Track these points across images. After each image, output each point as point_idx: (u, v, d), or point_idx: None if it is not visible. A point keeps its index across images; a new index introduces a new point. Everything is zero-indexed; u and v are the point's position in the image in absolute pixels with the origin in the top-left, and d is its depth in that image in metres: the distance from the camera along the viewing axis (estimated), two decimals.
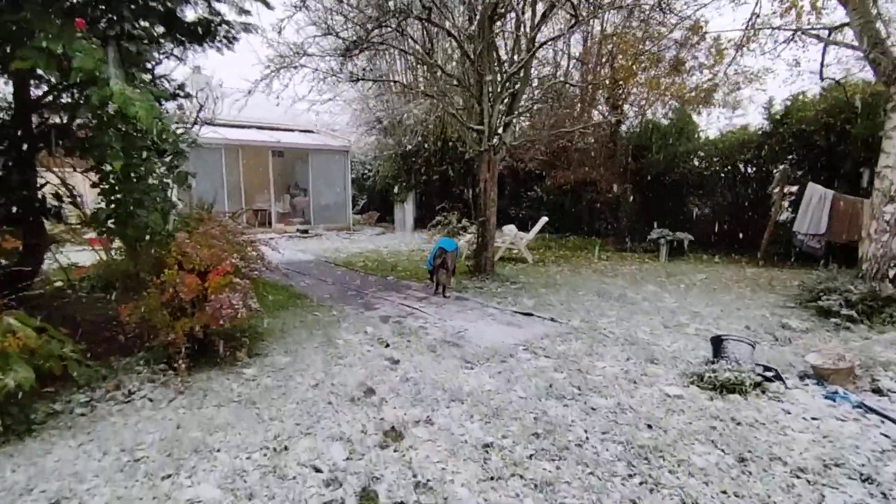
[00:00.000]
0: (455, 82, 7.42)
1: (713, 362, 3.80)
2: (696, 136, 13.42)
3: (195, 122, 7.55)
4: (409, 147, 15.66)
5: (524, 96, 7.98)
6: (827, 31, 8.22)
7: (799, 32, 8.31)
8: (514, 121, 7.25)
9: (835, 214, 9.15)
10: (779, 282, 7.83)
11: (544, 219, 10.52)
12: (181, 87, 6.38)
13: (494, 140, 7.23)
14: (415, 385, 3.62)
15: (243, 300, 3.75)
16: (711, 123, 18.32)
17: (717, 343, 3.93)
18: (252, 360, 4.07)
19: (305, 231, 14.08)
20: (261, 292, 6.12)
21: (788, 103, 10.99)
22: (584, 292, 6.98)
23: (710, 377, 3.54)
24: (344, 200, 15.66)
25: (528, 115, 15.21)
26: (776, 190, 9.84)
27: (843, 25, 7.77)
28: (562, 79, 9.45)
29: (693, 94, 11.04)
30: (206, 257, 3.73)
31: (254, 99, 16.62)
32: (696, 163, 12.40)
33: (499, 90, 7.24)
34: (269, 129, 15.27)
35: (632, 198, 11.90)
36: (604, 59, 12.11)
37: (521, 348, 4.48)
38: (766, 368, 3.63)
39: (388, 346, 4.56)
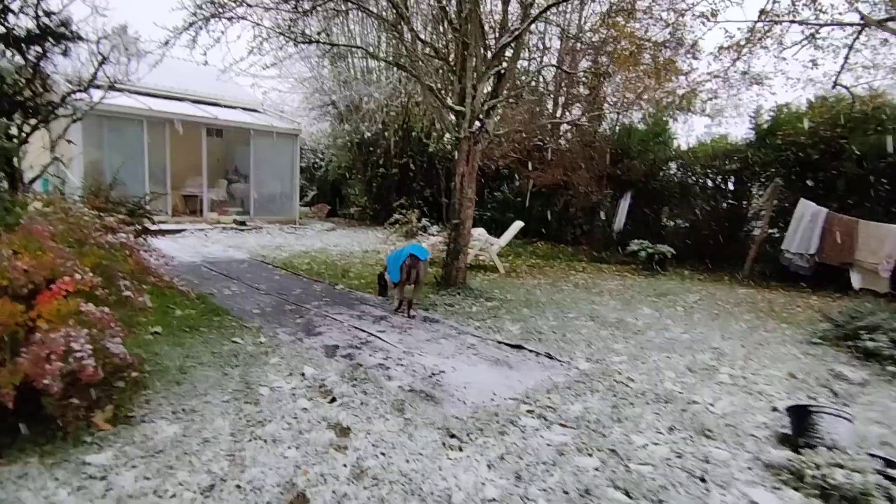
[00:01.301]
0: (431, 52, 6.08)
1: (800, 447, 2.69)
2: (671, 144, 12.72)
3: (91, 82, 5.82)
4: (368, 135, 14.15)
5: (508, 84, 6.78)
6: None
7: (866, 27, 7.29)
8: (497, 108, 5.98)
9: (828, 235, 8.51)
10: (781, 307, 7.00)
11: (518, 223, 9.37)
12: (64, 24, 4.71)
13: (475, 126, 5.96)
14: (375, 487, 2.28)
15: (95, 342, 2.27)
16: (689, 132, 17.77)
17: (802, 416, 2.82)
18: (116, 432, 2.59)
19: (243, 223, 12.31)
20: (164, 306, 4.58)
21: (773, 114, 10.41)
22: (574, 315, 5.84)
23: (813, 476, 2.40)
24: (290, 190, 13.96)
25: (500, 108, 14.09)
26: (766, 203, 9.14)
27: None
28: (547, 67, 8.29)
29: (686, 90, 10.16)
30: (31, 269, 2.23)
31: (190, 68, 14.60)
32: (675, 171, 11.67)
33: (484, 68, 5.97)
34: (206, 103, 13.34)
35: (609, 205, 10.96)
36: (588, 52, 11.11)
37: (523, 407, 3.22)
38: (889, 463, 2.54)
39: (333, 400, 3.18)
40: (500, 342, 4.62)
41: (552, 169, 11.82)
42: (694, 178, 11.37)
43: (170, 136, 11.56)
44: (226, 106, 13.86)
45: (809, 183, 9.14)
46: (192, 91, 13.45)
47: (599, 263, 10.52)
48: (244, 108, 14.20)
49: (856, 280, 8.19)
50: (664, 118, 12.50)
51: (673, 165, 11.83)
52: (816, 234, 8.58)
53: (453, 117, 6.19)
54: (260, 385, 3.31)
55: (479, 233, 9.31)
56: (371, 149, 14.47)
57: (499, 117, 14.46)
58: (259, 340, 4.21)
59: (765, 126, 10.09)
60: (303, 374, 3.53)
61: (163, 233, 10.63)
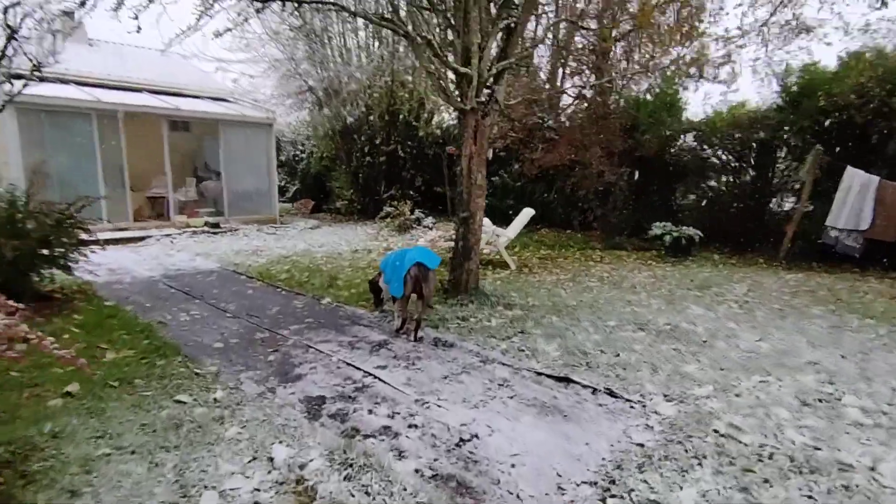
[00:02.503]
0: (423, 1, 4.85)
1: None
2: (680, 115, 11.59)
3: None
4: (350, 120, 12.86)
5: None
6: None
7: None
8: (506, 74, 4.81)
9: (881, 207, 7.49)
10: (846, 295, 5.96)
11: (529, 211, 8.20)
12: None
13: (483, 95, 4.77)
14: None
15: None
16: (705, 101, 16.66)
17: None
18: None
19: (216, 225, 11.04)
20: (93, 346, 3.41)
21: (800, 75, 9.32)
22: (615, 322, 4.74)
23: None
24: (268, 186, 12.66)
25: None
26: (806, 175, 8.07)
27: None
28: (563, 21, 7.09)
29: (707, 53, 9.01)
30: None
31: (148, 56, 13.17)
32: (691, 144, 10.58)
33: (490, 23, 4.78)
34: (167, 93, 11.95)
35: (625, 186, 9.85)
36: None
37: (610, 501, 2.11)
38: None
39: None
40: (539, 373, 3.50)
41: (557, 148, 10.67)
42: (713, 150, 10.28)
43: (126, 132, 10.20)
44: (190, 95, 12.48)
45: (851, 150, 8.09)
46: (150, 80, 12.06)
47: (616, 251, 9.44)
48: (212, 98, 12.83)
49: None
50: (675, 86, 11.35)
51: (688, 138, 10.74)
52: (868, 206, 7.55)
53: (455, 87, 4.99)
54: (205, 488, 2.16)
55: (485, 223, 8.15)
56: (355, 136, 13.19)
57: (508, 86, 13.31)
58: (212, 397, 3.04)
59: (794, 88, 8.98)
60: (271, 460, 2.38)
61: (123, 241, 9.38)
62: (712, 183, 10.44)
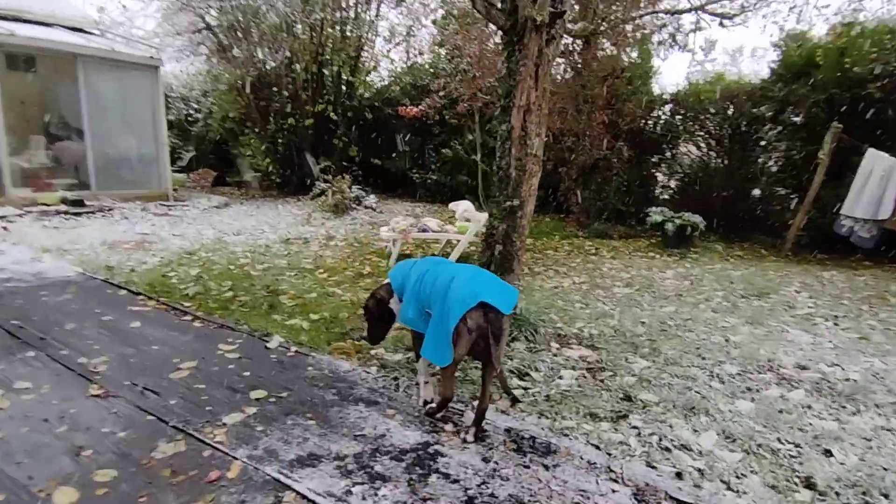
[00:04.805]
0: None
1: None
2: (651, 85, 10.40)
3: None
4: (270, 66, 10.14)
5: None
6: None
7: None
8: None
9: None
10: None
11: None
12: None
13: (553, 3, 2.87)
14: None
15: None
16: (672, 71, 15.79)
17: None
18: None
19: (78, 202, 8.04)
20: None
21: (793, 43, 8.44)
22: (728, 364, 3.19)
23: None
24: (155, 150, 9.64)
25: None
26: (823, 156, 7.14)
27: None
28: None
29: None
30: None
31: None
32: (671, 118, 9.44)
33: None
34: None
35: (617, 163, 8.43)
36: None
37: None
38: None
39: None
40: None
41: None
42: (698, 125, 9.22)
43: None
44: (35, 22, 9.03)
45: (864, 130, 7.28)
46: None
47: (602, 239, 8.06)
48: (67, 27, 9.42)
49: None
50: (650, 52, 10.11)
51: (667, 109, 9.60)
52: (890, 194, 6.74)
53: None
54: None
55: (466, 208, 6.29)
56: (273, 90, 10.47)
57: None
58: None
59: (797, 57, 8.03)
60: None
61: None
62: (704, 163, 9.41)
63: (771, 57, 9.22)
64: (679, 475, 2.09)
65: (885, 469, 2.19)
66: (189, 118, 15.41)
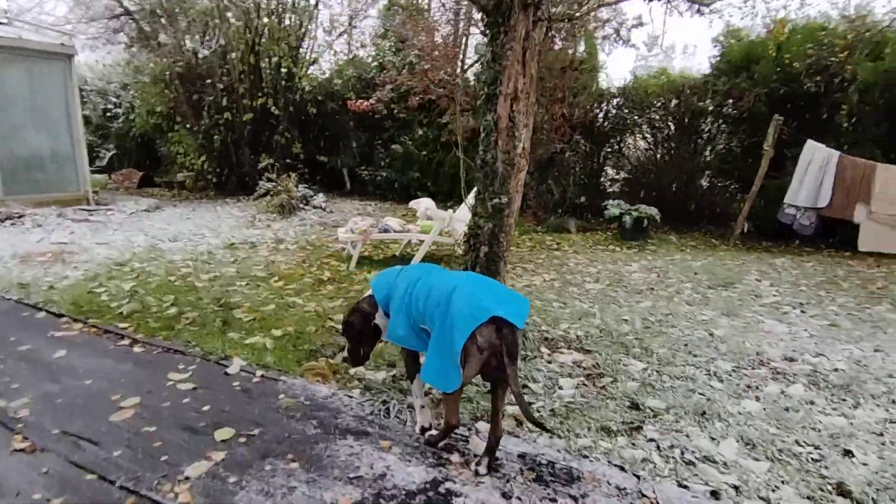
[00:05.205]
0: None
1: None
2: (597, 79, 10.53)
3: None
4: (202, 55, 9.34)
5: None
6: None
7: None
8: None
9: (840, 184, 7.09)
10: (844, 279, 5.21)
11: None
12: None
13: None
14: None
15: None
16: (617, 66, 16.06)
17: None
18: None
19: None
20: None
21: (724, 40, 8.79)
22: (720, 360, 3.11)
23: None
24: (71, 150, 8.63)
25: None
26: (767, 147, 7.40)
27: None
28: None
29: None
30: None
31: None
32: (623, 112, 9.56)
33: None
34: None
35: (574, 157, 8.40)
36: None
37: None
38: None
39: None
40: None
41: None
42: (644, 118, 9.38)
43: None
44: None
45: (803, 122, 7.65)
46: None
47: (561, 234, 8.01)
48: None
49: (866, 238, 6.89)
50: (595, 46, 10.20)
51: (613, 104, 9.72)
52: (828, 183, 7.09)
53: None
54: None
55: (428, 206, 6.00)
56: (206, 82, 9.67)
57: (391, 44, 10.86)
58: None
59: (737, 52, 8.32)
60: None
61: None
62: (652, 155, 9.60)
63: (702, 54, 9.54)
64: (715, 495, 1.92)
65: None
66: (108, 113, 14.07)
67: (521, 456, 2.11)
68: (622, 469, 2.05)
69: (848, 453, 2.21)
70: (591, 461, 2.09)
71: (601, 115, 9.54)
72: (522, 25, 2.63)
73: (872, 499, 1.93)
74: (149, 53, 9.75)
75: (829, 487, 1.99)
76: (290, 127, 10.28)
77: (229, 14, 9.22)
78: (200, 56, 9.27)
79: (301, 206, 8.84)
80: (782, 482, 2.02)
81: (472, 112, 8.94)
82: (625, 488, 1.93)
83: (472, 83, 10.33)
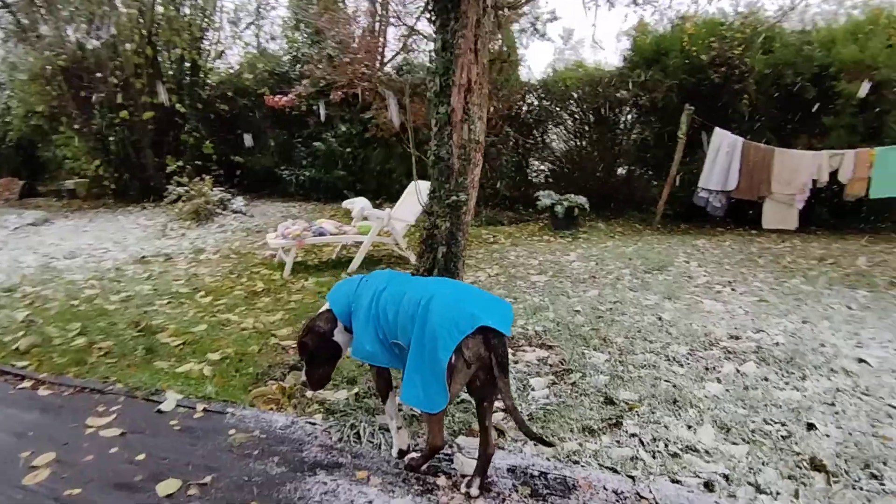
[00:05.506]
0: None
1: None
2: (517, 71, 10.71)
3: None
4: (92, 46, 8.30)
5: None
6: None
7: None
8: None
9: (745, 168, 7.68)
10: (780, 258, 5.66)
11: (424, 184, 5.91)
12: None
13: None
14: None
15: None
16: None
17: None
18: None
19: None
20: None
21: (635, 34, 9.25)
22: (677, 345, 3.20)
23: None
24: None
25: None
26: (681, 135, 7.85)
27: None
28: None
29: None
30: None
31: None
32: (546, 104, 9.76)
33: None
34: None
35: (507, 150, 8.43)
36: None
37: None
38: None
39: None
40: None
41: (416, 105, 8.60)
42: (566, 110, 9.65)
43: None
44: None
45: (711, 112, 8.19)
46: None
47: (494, 226, 8.05)
48: None
49: (768, 217, 7.54)
50: (513, 39, 10.34)
51: (536, 96, 9.92)
52: (735, 167, 7.64)
53: None
54: None
55: (363, 206, 5.72)
56: (96, 77, 8.62)
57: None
58: None
59: (649, 45, 8.75)
60: None
61: None
62: (565, 145, 9.89)
63: (608, 49, 9.98)
64: (709, 486, 1.90)
65: (863, 434, 2.25)
66: None
67: (511, 470, 1.99)
68: (615, 471, 1.98)
69: (811, 427, 2.31)
70: (582, 467, 2.01)
71: (525, 108, 9.70)
72: (473, 12, 2.49)
73: (844, 470, 2.01)
74: (27, 47, 8.51)
75: (805, 464, 2.06)
76: (199, 126, 9.47)
77: (118, 1, 8.27)
78: (88, 48, 8.23)
79: (219, 210, 8.16)
80: (763, 464, 2.05)
81: (400, 107, 8.71)
82: (622, 492, 1.87)
83: (394, 76, 10.11)
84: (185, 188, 7.80)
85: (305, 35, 10.86)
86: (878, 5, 7.91)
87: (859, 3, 9.05)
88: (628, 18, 19.05)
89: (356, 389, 2.59)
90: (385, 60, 10.57)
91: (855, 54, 7.13)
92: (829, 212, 7.53)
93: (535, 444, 2.15)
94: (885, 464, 2.04)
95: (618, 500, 1.83)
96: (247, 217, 8.28)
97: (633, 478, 1.94)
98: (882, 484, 1.93)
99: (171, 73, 9.02)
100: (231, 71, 11.01)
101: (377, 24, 10.03)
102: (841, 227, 7.36)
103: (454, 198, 2.72)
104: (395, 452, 2.08)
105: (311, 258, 5.79)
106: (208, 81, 9.29)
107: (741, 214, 7.92)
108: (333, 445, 2.15)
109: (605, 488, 1.89)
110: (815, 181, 7.06)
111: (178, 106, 8.88)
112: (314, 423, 2.31)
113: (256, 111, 10.49)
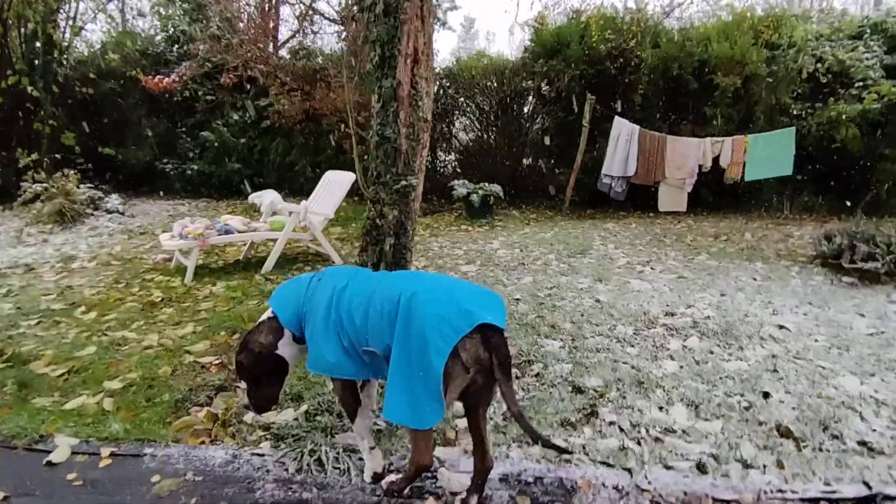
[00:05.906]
0: None
1: None
2: None
3: None
4: None
5: None
6: None
7: None
8: None
9: (642, 154, 8.20)
10: (682, 237, 6.09)
11: (348, 176, 5.44)
12: None
13: None
14: None
15: None
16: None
17: None
18: None
19: None
20: None
21: (537, 25, 9.52)
22: (602, 326, 3.23)
23: None
24: None
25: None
26: (585, 124, 8.17)
27: None
28: None
29: None
30: None
31: None
32: (451, 93, 9.68)
33: None
34: None
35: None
36: None
37: None
38: None
39: None
40: None
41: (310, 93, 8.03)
42: (471, 100, 9.66)
43: None
44: None
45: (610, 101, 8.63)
46: None
47: None
48: None
49: (663, 200, 8.15)
50: None
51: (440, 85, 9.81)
52: (633, 154, 8.13)
53: None
54: None
55: (272, 199, 5.18)
56: None
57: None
58: None
59: (549, 36, 8.99)
60: None
61: None
62: (472, 135, 9.90)
63: (501, 40, 10.19)
64: (701, 468, 1.86)
65: (810, 397, 2.37)
66: None
67: (504, 479, 1.79)
68: (609, 465, 1.87)
69: (767, 395, 2.40)
70: (575, 465, 1.88)
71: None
72: None
73: (809, 434, 2.09)
74: None
75: (774, 433, 2.11)
76: (57, 113, 8.07)
77: None
78: None
79: (89, 211, 7.02)
80: (739, 437, 2.07)
81: (301, 92, 8.10)
82: (622, 487, 1.76)
83: (289, 59, 9.44)
84: (44, 185, 6.57)
85: (182, 11, 9.72)
86: (744, 7, 8.85)
87: (724, 4, 10.10)
88: (534, 6, 19.62)
89: (304, 407, 2.24)
90: (279, 42, 9.83)
91: (727, 51, 7.85)
92: (712, 193, 8.27)
93: (519, 446, 1.98)
94: (838, 422, 2.15)
95: (620, 497, 1.72)
96: (126, 217, 7.22)
97: (629, 471, 1.84)
98: (843, 443, 2.03)
99: (21, 51, 7.55)
100: (94, 49, 9.56)
101: (269, 1, 9.27)
102: (722, 207, 8.11)
103: (403, 182, 2.45)
104: (367, 477, 1.79)
105: (215, 260, 5.14)
106: (66, 60, 7.92)
107: (639, 198, 8.45)
108: (292, 478, 1.80)
109: (604, 485, 1.76)
110: (700, 166, 7.74)
111: (29, 89, 7.46)
112: (262, 454, 1.93)
113: (128, 96, 9.21)
